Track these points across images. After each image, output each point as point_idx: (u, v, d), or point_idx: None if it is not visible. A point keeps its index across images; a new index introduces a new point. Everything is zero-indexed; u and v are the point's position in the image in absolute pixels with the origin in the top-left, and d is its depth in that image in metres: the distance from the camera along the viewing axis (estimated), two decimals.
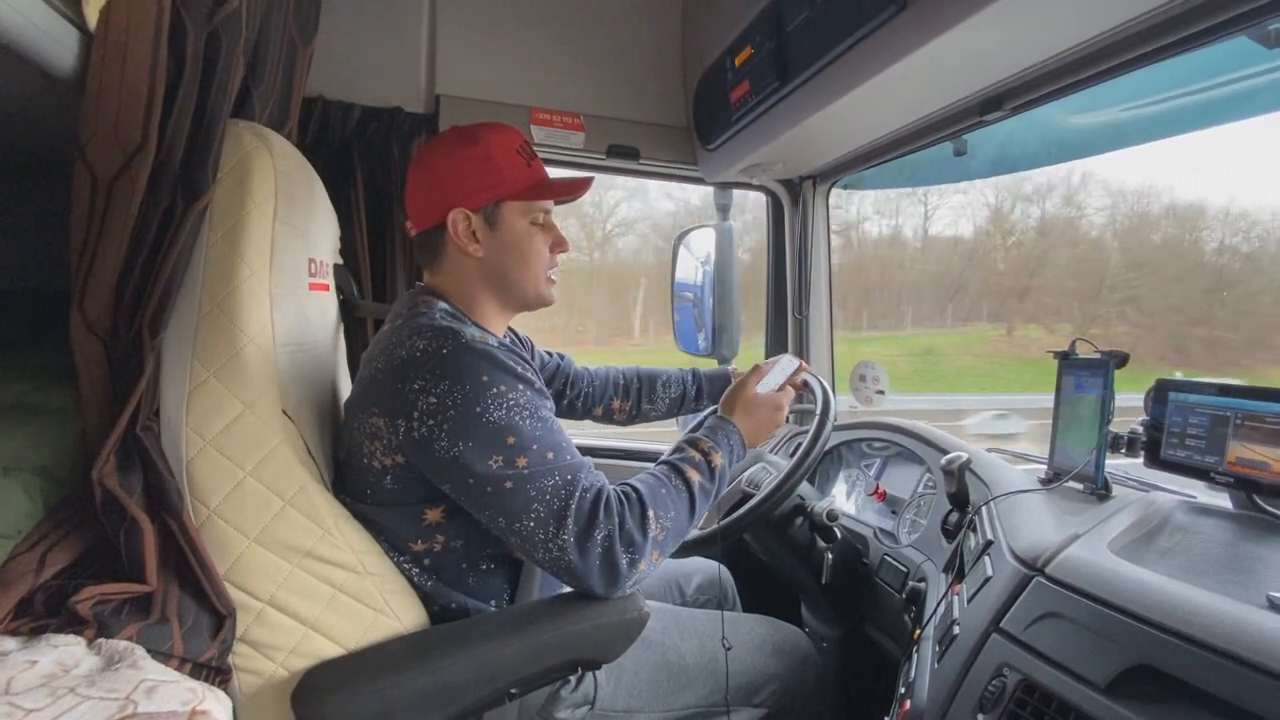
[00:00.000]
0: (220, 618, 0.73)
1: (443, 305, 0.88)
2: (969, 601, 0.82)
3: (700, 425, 0.97)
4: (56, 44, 0.64)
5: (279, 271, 0.82)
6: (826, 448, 1.13)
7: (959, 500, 1.02)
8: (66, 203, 0.71)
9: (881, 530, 1.24)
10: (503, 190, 0.89)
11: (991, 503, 0.95)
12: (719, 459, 0.90)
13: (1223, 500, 0.89)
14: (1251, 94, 1.05)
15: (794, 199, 1.73)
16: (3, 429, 0.79)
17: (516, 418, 0.77)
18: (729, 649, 0.98)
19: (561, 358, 1.25)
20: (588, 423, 1.30)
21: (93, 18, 0.66)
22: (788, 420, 1.71)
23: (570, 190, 0.94)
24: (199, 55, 0.73)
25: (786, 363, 1.08)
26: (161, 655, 0.66)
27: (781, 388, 1.04)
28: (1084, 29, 0.88)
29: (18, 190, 1.07)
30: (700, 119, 1.59)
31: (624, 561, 0.77)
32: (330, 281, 1.06)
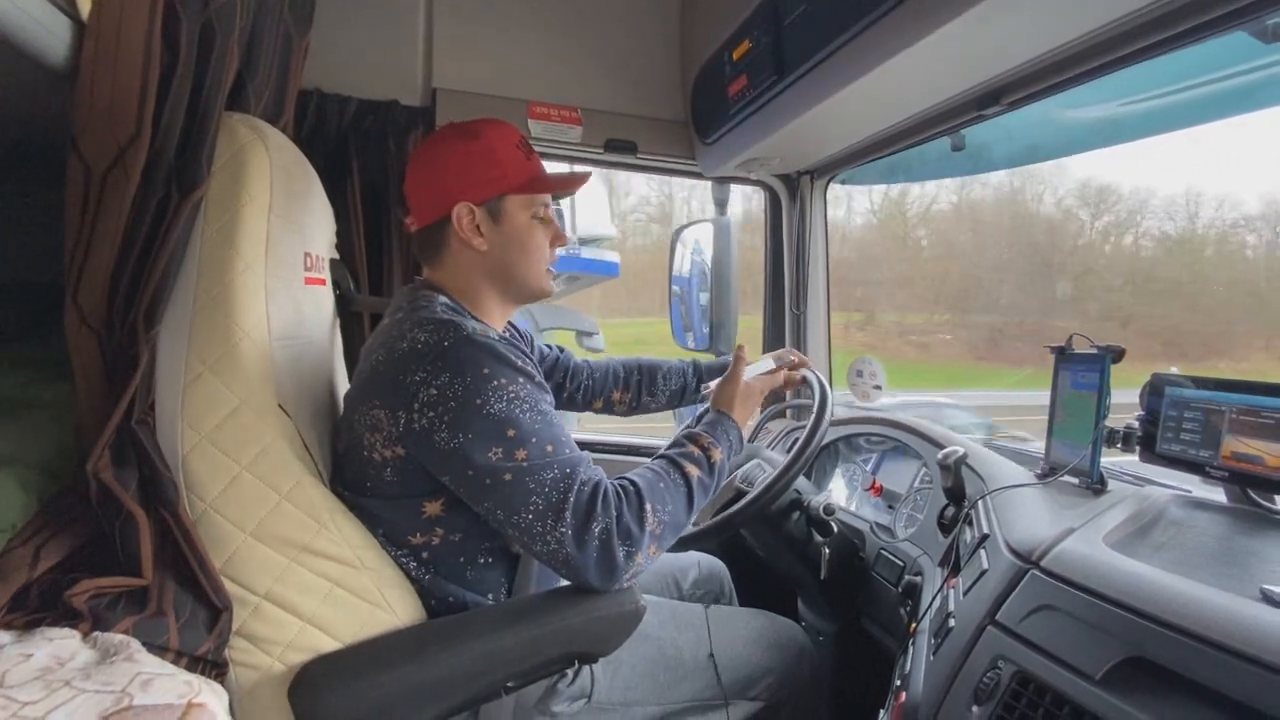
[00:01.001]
0: (217, 612, 0.73)
1: (443, 299, 0.88)
2: (965, 594, 0.82)
3: (700, 419, 0.97)
4: (49, 34, 0.64)
5: (274, 265, 0.82)
6: (823, 443, 1.13)
7: (955, 494, 1.03)
8: (61, 195, 0.70)
9: (878, 525, 1.24)
10: (505, 184, 0.89)
11: (987, 497, 0.96)
12: (718, 454, 0.90)
13: (1217, 495, 0.89)
14: (1249, 89, 1.06)
15: (792, 194, 1.73)
16: None
17: (516, 410, 0.77)
18: (707, 609, 1.00)
19: (561, 350, 1.26)
20: (587, 417, 1.30)
21: (85, 7, 0.66)
22: (784, 415, 1.72)
23: (568, 184, 0.95)
24: (193, 46, 0.73)
25: (781, 355, 1.08)
26: (157, 649, 0.66)
27: (774, 371, 1.04)
28: (1082, 23, 0.88)
29: (11, 183, 1.06)
30: (698, 113, 1.59)
31: (621, 554, 0.77)
32: (326, 276, 1.05)
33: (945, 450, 1.01)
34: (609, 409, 1.29)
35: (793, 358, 1.17)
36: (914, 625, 0.92)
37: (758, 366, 1.04)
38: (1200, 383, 0.87)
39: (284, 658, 0.77)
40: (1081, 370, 0.98)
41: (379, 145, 1.39)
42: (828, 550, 1.16)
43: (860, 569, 1.22)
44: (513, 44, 1.53)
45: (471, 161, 0.88)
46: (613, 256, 4.51)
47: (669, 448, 0.91)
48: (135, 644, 0.64)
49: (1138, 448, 0.94)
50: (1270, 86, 1.03)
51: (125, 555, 0.70)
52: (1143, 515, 0.84)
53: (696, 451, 0.89)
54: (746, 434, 1.51)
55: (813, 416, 1.09)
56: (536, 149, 0.95)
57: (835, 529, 1.17)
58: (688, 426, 0.96)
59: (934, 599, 0.91)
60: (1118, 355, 0.95)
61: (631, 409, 1.30)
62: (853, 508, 1.36)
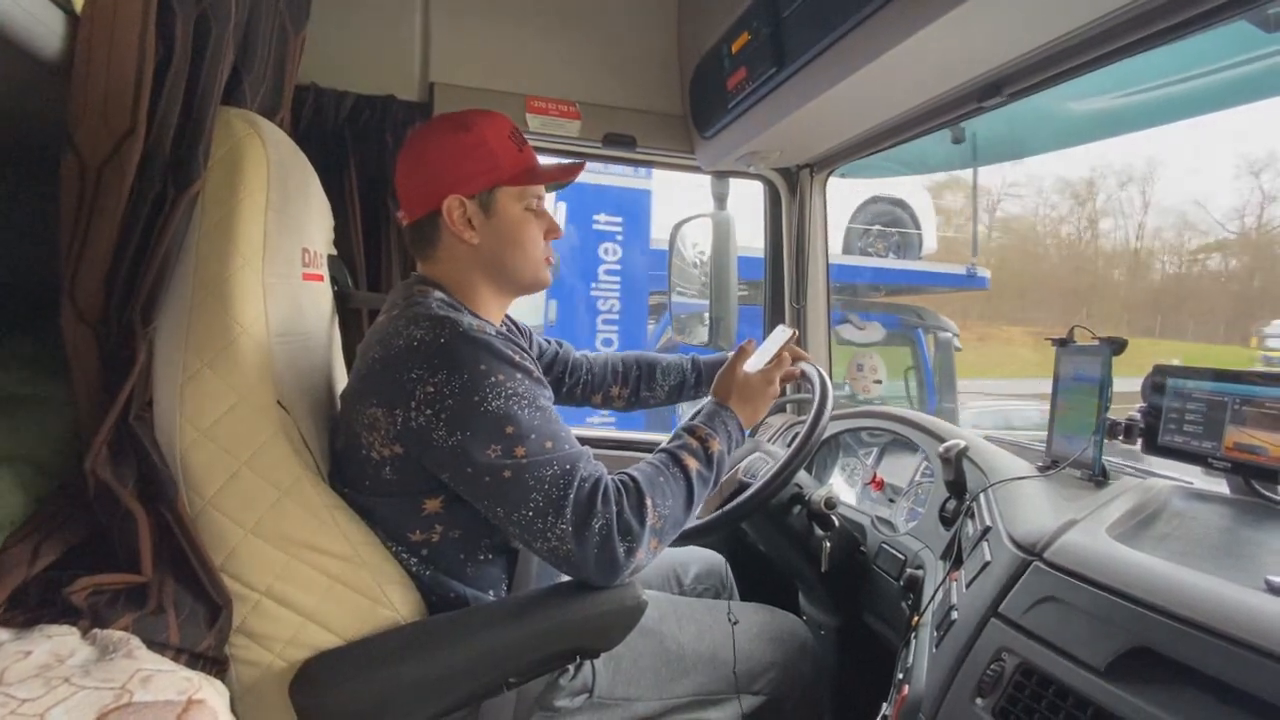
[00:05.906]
0: (217, 608, 0.72)
1: (439, 295, 0.87)
2: (967, 587, 0.82)
3: (699, 412, 0.96)
4: (42, 26, 0.63)
5: (272, 261, 0.81)
6: (824, 437, 1.13)
7: (957, 487, 1.02)
8: (55, 190, 0.70)
9: (879, 518, 1.24)
10: (498, 176, 0.88)
11: (990, 489, 0.95)
12: (717, 446, 0.89)
13: (1220, 486, 0.89)
14: (1251, 79, 1.05)
15: (791, 188, 1.72)
16: None
17: (515, 407, 0.76)
18: (735, 623, 0.99)
19: (560, 344, 1.25)
20: (586, 412, 1.30)
21: None
22: (785, 410, 1.71)
23: (561, 175, 0.94)
24: (188, 38, 0.72)
25: (778, 334, 1.07)
26: (158, 645, 0.66)
27: (773, 360, 1.03)
28: (1084, 12, 0.87)
29: (4, 178, 1.05)
30: (697, 107, 1.58)
31: (621, 550, 0.77)
32: (324, 272, 1.05)
33: (946, 444, 1.01)
34: (608, 404, 1.29)
35: (788, 337, 1.10)
36: (916, 619, 0.91)
37: (760, 356, 1.03)
38: (1201, 374, 0.87)
39: (284, 654, 0.77)
40: (1083, 362, 0.98)
41: (376, 140, 1.38)
42: (829, 544, 1.15)
43: (862, 563, 1.22)
44: (510, 38, 1.52)
45: (463, 153, 0.87)
46: (984, 271, 4.92)
47: (668, 441, 0.90)
48: (135, 641, 0.63)
49: (1140, 440, 0.93)
50: (1273, 76, 1.03)
51: (124, 552, 0.70)
52: (1145, 507, 0.83)
53: (695, 444, 0.88)
54: (765, 439, 1.51)
55: (813, 410, 1.08)
56: (535, 144, 0.94)
57: (836, 523, 1.17)
58: (687, 420, 0.96)
59: (936, 592, 0.91)
60: (1119, 347, 0.94)
61: (630, 404, 1.30)
62: (854, 502, 1.36)
